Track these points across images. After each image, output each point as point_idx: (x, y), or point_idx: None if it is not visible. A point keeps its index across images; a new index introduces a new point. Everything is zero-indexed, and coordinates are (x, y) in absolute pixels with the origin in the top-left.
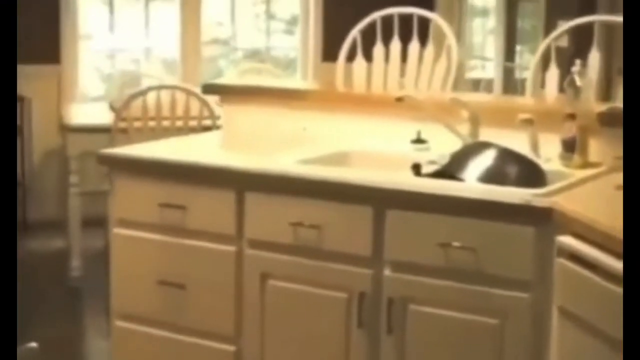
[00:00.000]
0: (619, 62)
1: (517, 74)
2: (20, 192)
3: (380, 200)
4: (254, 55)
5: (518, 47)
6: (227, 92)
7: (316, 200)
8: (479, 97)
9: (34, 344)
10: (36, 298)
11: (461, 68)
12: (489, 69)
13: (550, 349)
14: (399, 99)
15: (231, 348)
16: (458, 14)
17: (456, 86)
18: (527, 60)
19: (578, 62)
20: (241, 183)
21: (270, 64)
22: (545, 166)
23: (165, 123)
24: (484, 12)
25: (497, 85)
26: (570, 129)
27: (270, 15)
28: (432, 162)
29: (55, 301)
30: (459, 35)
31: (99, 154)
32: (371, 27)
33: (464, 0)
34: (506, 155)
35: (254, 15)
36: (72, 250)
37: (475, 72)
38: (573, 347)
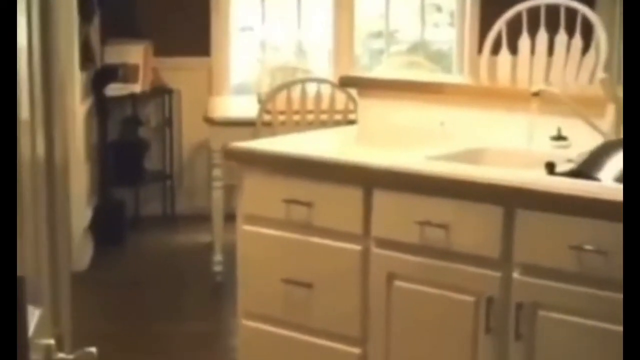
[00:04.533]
0: None
1: None
2: (169, 184)
3: (509, 200)
4: (416, 48)
5: None
6: (364, 85)
7: (444, 199)
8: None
9: (92, 349)
10: (180, 292)
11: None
12: None
13: None
14: (535, 94)
15: (357, 350)
16: (620, 6)
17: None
18: None
19: None
20: (368, 180)
21: (428, 57)
22: None
23: (310, 117)
24: None
25: None
26: None
27: (436, 8)
28: (569, 161)
29: (197, 296)
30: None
31: (226, 148)
32: (517, 18)
33: None
34: None
35: (417, 7)
36: (215, 244)
37: None
38: None
